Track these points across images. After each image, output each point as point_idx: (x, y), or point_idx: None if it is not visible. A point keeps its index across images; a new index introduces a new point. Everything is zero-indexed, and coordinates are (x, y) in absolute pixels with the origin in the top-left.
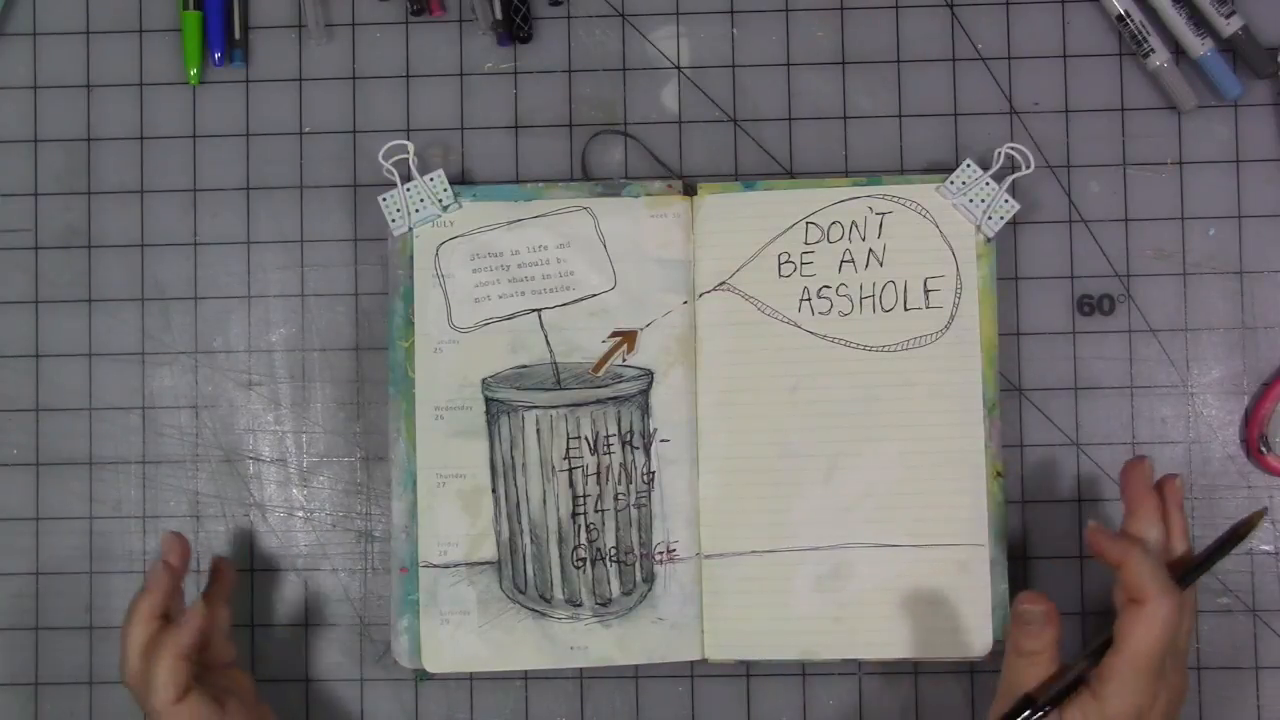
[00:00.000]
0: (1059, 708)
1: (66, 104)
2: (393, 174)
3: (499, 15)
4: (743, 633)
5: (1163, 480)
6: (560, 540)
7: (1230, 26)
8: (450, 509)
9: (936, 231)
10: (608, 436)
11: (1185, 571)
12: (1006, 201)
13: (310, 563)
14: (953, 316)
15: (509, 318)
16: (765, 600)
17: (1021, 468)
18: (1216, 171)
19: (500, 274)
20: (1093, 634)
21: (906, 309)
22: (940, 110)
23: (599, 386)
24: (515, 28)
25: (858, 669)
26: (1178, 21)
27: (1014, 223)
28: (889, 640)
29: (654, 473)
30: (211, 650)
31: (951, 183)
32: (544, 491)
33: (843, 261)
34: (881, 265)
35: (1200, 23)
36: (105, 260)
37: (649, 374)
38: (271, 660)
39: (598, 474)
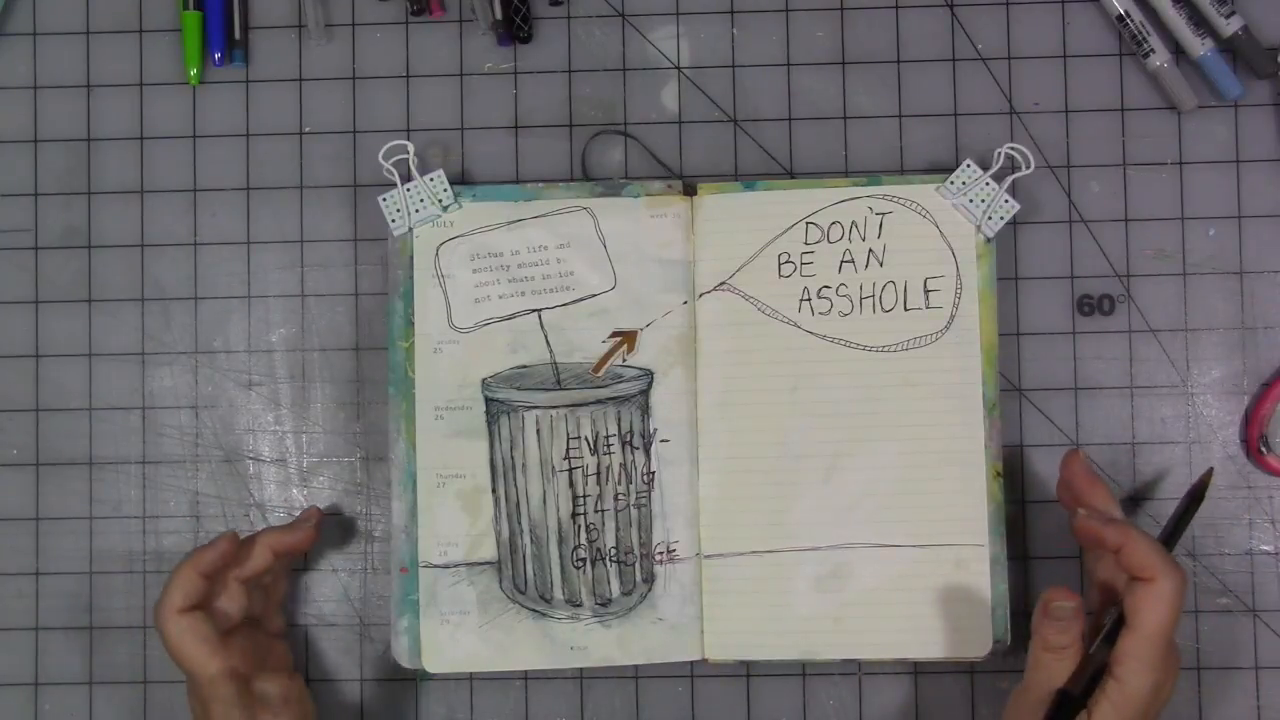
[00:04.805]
0: (1089, 703)
1: (66, 104)
2: (393, 174)
3: (499, 15)
4: (743, 633)
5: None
6: (560, 540)
7: (1230, 26)
8: (450, 509)
9: (936, 232)
10: (608, 437)
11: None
12: (1006, 201)
13: (310, 563)
14: (953, 316)
15: (509, 318)
16: (765, 600)
17: (1021, 468)
18: (1216, 172)
19: (500, 274)
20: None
21: (906, 309)
22: (940, 110)
23: (599, 387)
24: (515, 28)
25: (858, 669)
26: (1178, 21)
27: (1014, 223)
28: (889, 640)
29: (654, 473)
30: (264, 618)
31: (951, 183)
32: (544, 492)
33: (843, 262)
34: (881, 265)
35: (1200, 23)
36: (105, 260)
37: (649, 374)
38: None
39: (598, 474)
